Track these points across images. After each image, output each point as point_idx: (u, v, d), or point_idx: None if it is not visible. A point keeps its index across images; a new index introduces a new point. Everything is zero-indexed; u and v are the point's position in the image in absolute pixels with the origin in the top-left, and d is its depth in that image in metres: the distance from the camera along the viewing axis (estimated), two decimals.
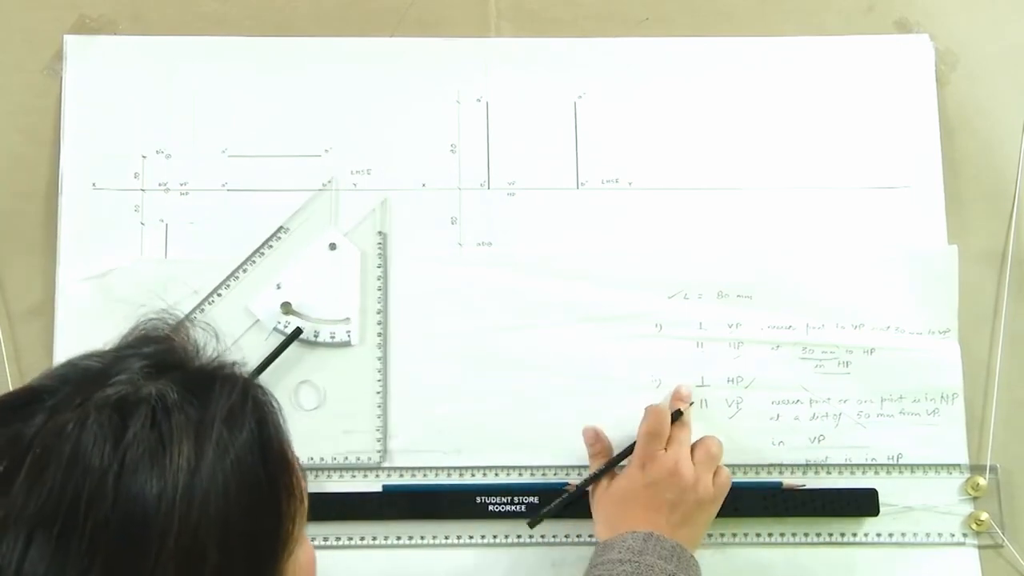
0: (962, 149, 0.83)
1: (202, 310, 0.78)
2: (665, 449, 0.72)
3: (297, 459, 0.47)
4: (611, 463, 0.75)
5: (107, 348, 0.46)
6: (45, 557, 0.37)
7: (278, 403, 0.47)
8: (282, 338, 0.78)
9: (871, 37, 0.84)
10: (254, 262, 0.79)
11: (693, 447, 0.73)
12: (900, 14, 0.84)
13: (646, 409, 0.73)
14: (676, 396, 0.76)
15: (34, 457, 0.38)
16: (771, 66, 0.83)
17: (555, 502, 0.75)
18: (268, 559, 0.44)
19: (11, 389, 0.45)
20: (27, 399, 0.41)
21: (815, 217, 0.81)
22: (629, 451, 0.74)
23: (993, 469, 0.79)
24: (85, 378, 0.42)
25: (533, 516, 0.75)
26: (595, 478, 0.74)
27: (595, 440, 0.76)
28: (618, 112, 0.82)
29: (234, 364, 0.47)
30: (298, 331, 0.77)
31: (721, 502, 0.73)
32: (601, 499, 0.74)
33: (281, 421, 0.47)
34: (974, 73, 0.84)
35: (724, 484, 0.73)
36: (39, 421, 0.40)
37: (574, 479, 0.77)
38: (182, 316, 0.50)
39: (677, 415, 0.74)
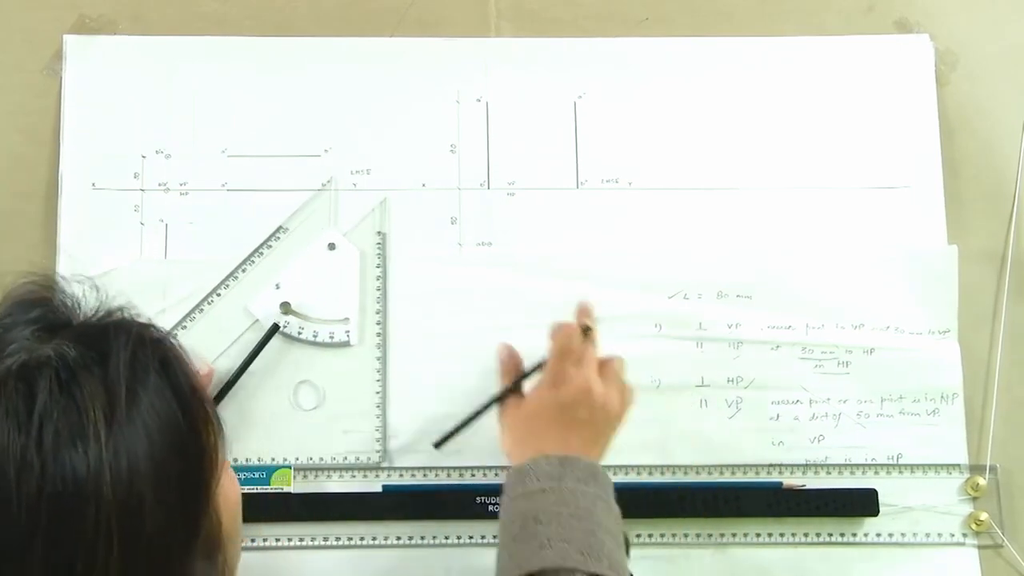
0: (962, 149, 0.83)
1: (201, 310, 0.78)
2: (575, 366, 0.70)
3: (203, 386, 0.47)
4: (519, 380, 0.73)
5: None
6: None
7: (175, 336, 0.47)
8: (282, 338, 0.78)
9: (871, 37, 0.84)
10: (253, 262, 0.79)
11: (599, 365, 0.71)
12: (900, 14, 0.84)
13: (554, 326, 0.71)
14: (581, 312, 0.73)
15: None
16: (771, 66, 0.83)
17: (463, 420, 0.74)
18: (198, 490, 0.44)
19: None
20: None
21: (815, 217, 0.81)
22: (538, 369, 0.72)
23: (993, 469, 0.79)
24: None
25: (441, 440, 0.75)
26: (504, 395, 0.72)
27: (508, 358, 0.74)
28: (618, 112, 0.82)
29: (120, 310, 0.47)
30: (275, 327, 0.77)
31: (626, 417, 0.71)
32: (511, 417, 0.71)
33: (182, 353, 0.47)
34: (974, 73, 0.84)
35: (630, 401, 0.71)
36: None
37: None
38: (51, 273, 0.50)
39: (585, 331, 0.71)
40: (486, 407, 0.74)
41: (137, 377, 0.42)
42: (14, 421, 0.39)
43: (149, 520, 0.40)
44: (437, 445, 0.75)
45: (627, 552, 0.66)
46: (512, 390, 0.73)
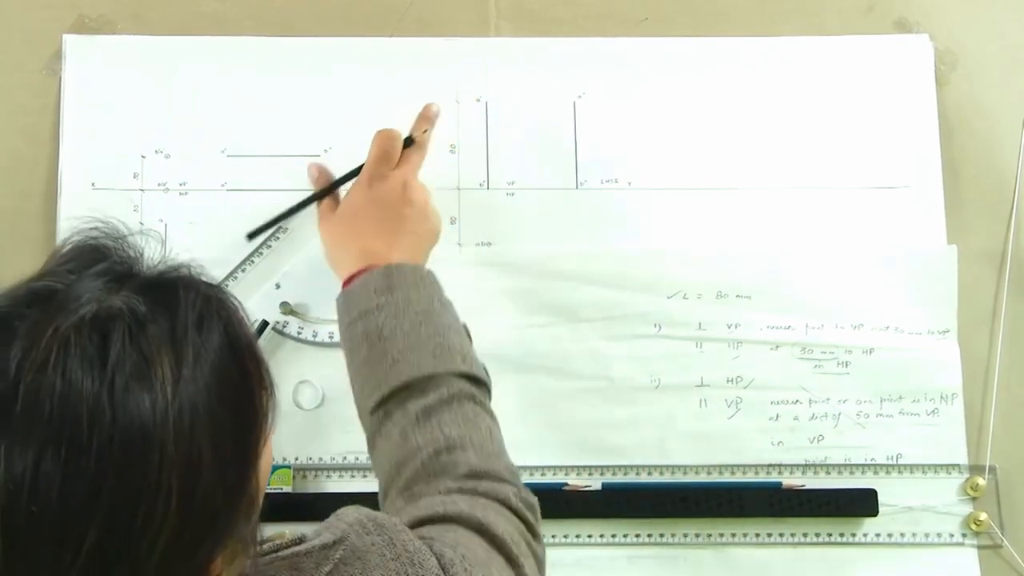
0: (962, 149, 0.83)
1: None
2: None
3: (262, 351, 0.49)
4: (338, 182, 0.74)
5: (55, 265, 0.46)
6: (57, 475, 0.38)
7: (237, 300, 0.48)
8: (282, 338, 0.78)
9: (871, 37, 0.84)
10: (253, 262, 0.79)
11: None
12: (900, 14, 0.84)
13: (376, 132, 0.72)
14: (422, 116, 0.75)
15: (26, 389, 0.39)
16: (771, 66, 0.83)
17: (276, 215, 0.77)
18: (249, 450, 0.45)
19: None
20: None
21: (815, 217, 0.81)
22: (356, 173, 0.73)
23: (992, 469, 0.79)
24: (51, 300, 0.42)
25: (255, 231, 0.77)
26: (322, 195, 0.74)
27: (319, 173, 0.76)
28: (618, 112, 0.82)
29: (187, 267, 0.48)
30: (264, 323, 0.77)
31: (439, 233, 0.73)
32: (328, 220, 0.73)
33: (245, 316, 0.48)
34: (974, 73, 0.84)
35: (440, 220, 0.73)
36: (19, 349, 0.40)
37: (573, 479, 0.77)
38: (115, 223, 0.50)
39: (409, 142, 0.73)
40: (302, 204, 0.76)
41: (202, 335, 0.43)
42: (89, 370, 0.40)
43: (205, 475, 0.41)
44: (250, 236, 0.77)
45: (469, 336, 0.67)
46: (328, 192, 0.75)
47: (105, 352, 0.40)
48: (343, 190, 0.75)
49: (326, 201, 0.75)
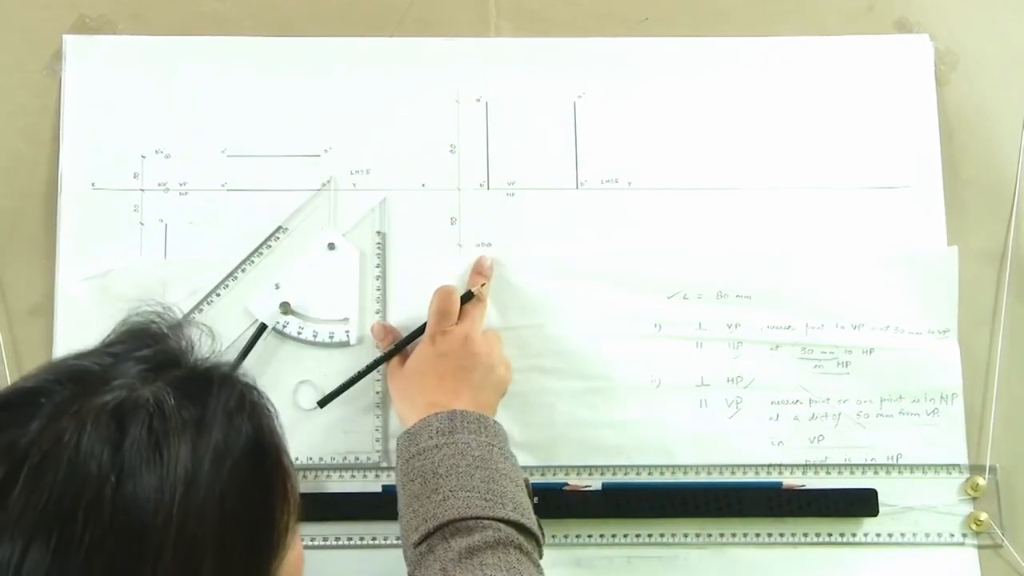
0: (962, 149, 0.83)
1: (201, 310, 0.78)
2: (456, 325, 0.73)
3: (291, 462, 0.47)
4: (403, 343, 0.76)
5: (102, 346, 0.46)
6: (43, 565, 0.37)
7: (274, 407, 0.47)
8: (282, 338, 0.78)
9: (871, 37, 0.84)
10: (253, 262, 0.79)
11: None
12: (900, 14, 0.84)
13: (436, 290, 0.75)
14: (476, 270, 0.78)
15: (31, 466, 0.38)
16: (771, 66, 0.83)
17: (345, 381, 0.76)
18: (262, 563, 0.44)
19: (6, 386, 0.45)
20: (22, 400, 0.41)
21: (815, 217, 0.81)
22: (420, 331, 0.75)
23: (992, 469, 0.79)
24: (82, 382, 0.41)
25: (325, 398, 0.76)
26: (388, 356, 0.76)
27: (385, 334, 0.77)
28: (618, 112, 0.82)
29: (230, 365, 0.47)
30: (263, 327, 0.77)
31: (510, 379, 0.75)
32: (395, 377, 0.75)
33: (277, 425, 0.46)
34: (974, 73, 0.84)
35: (510, 369, 0.75)
36: (36, 427, 0.39)
37: (573, 479, 0.77)
38: (177, 313, 0.49)
39: (468, 296, 0.75)
40: (370, 367, 0.76)
41: (227, 439, 0.42)
42: (97, 459, 0.38)
43: None
44: (321, 404, 0.77)
45: (530, 496, 0.67)
46: (394, 354, 0.76)
47: (120, 440, 0.39)
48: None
49: (394, 359, 0.76)
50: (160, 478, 0.39)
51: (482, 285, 0.76)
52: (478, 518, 0.61)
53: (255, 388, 0.47)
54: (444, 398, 0.69)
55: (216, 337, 0.49)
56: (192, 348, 0.47)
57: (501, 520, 0.62)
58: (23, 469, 0.38)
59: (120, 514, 0.38)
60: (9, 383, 0.76)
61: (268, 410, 0.46)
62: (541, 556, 0.65)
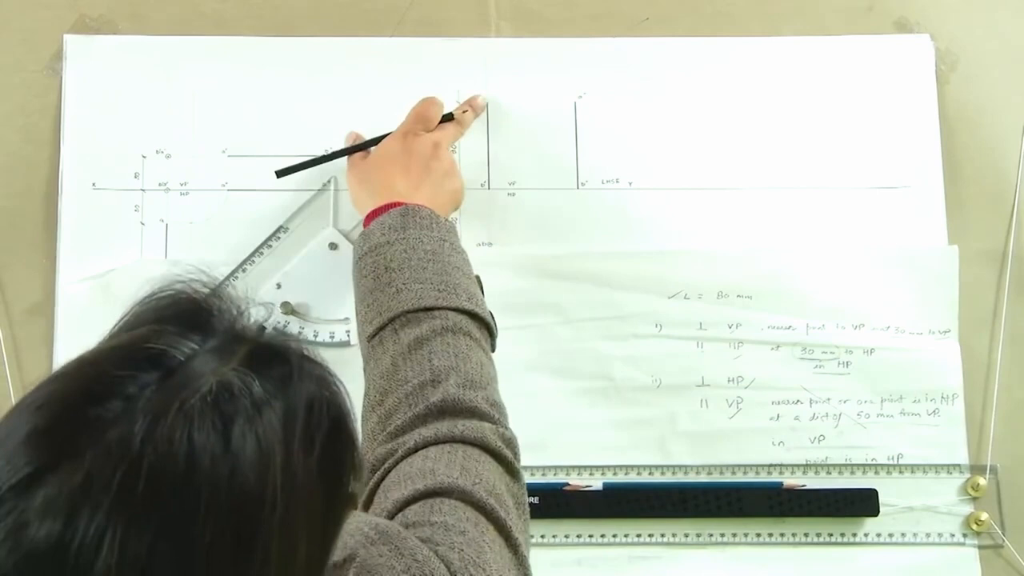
0: (962, 149, 0.83)
1: None
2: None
3: (356, 431, 0.47)
4: (373, 141, 0.77)
5: (156, 323, 0.44)
6: (169, 561, 0.37)
7: (341, 382, 0.47)
8: None
9: (871, 37, 0.84)
10: (254, 262, 0.79)
11: None
12: (900, 14, 0.84)
13: (422, 98, 0.77)
14: (468, 101, 0.80)
15: (150, 466, 0.37)
16: (771, 66, 0.83)
17: (308, 160, 0.78)
18: (335, 531, 0.45)
19: (65, 368, 0.42)
20: (109, 391, 0.40)
21: (815, 217, 0.81)
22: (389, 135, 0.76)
23: (993, 469, 0.79)
24: (168, 370, 0.41)
25: (283, 170, 0.78)
26: (356, 149, 0.77)
27: (356, 136, 0.79)
28: (618, 112, 0.82)
29: (294, 337, 0.47)
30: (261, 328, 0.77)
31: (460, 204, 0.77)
32: (357, 166, 0.76)
33: (347, 397, 0.46)
34: (974, 73, 0.84)
35: (463, 193, 0.77)
36: (144, 426, 0.38)
37: (574, 479, 0.77)
38: (213, 276, 0.48)
39: (448, 117, 0.77)
40: (336, 153, 0.78)
41: (311, 425, 0.42)
42: (211, 456, 0.38)
43: (297, 565, 0.41)
44: (279, 173, 0.78)
45: (480, 290, 0.68)
46: (362, 148, 0.77)
47: (228, 436, 0.39)
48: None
49: (357, 155, 0.78)
50: (264, 467, 0.40)
51: (464, 111, 0.79)
52: (430, 308, 0.62)
53: (328, 370, 0.46)
54: (404, 186, 0.71)
55: (256, 303, 0.48)
56: (242, 313, 0.46)
57: (454, 309, 0.63)
58: (143, 464, 0.37)
59: (236, 508, 0.39)
60: (9, 383, 0.76)
61: (339, 385, 0.46)
62: (494, 349, 0.67)
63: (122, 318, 0.46)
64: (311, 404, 0.43)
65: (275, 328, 0.47)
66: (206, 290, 0.46)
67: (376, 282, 0.65)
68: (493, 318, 0.67)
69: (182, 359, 0.41)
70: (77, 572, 0.36)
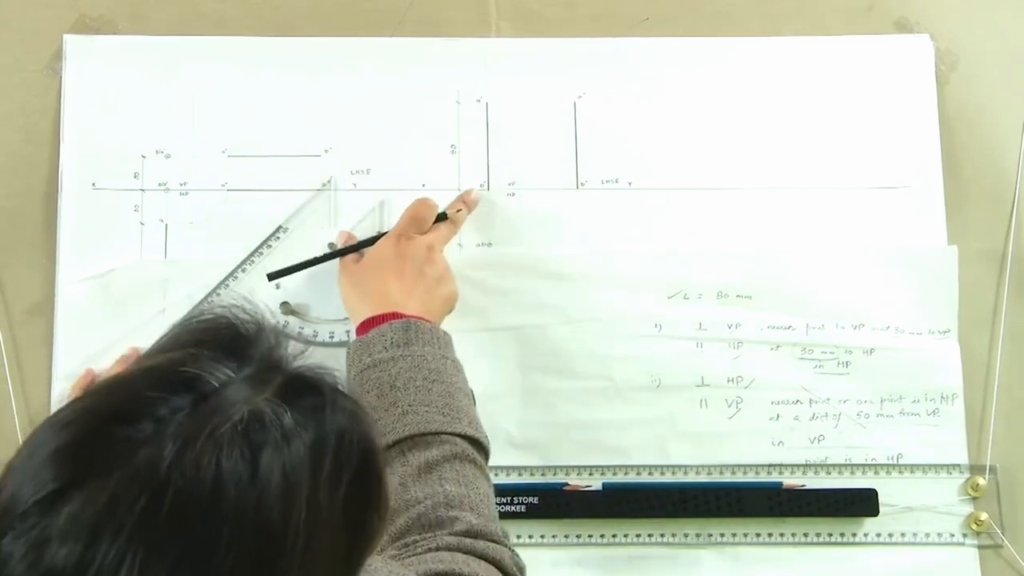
0: (962, 149, 0.83)
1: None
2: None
3: (384, 466, 0.47)
4: (364, 243, 0.76)
5: (193, 345, 0.44)
6: None
7: (372, 418, 0.46)
8: None
9: (871, 37, 0.84)
10: (253, 262, 0.79)
11: None
12: (900, 14, 0.84)
13: (415, 200, 0.76)
14: (461, 198, 0.79)
15: (176, 492, 0.37)
16: (771, 66, 0.83)
17: (299, 263, 0.77)
18: (358, 565, 0.45)
19: (105, 383, 0.42)
20: (140, 412, 0.39)
21: (815, 217, 0.81)
22: (381, 235, 0.75)
23: (993, 469, 0.79)
24: (201, 395, 0.40)
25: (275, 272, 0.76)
26: (347, 251, 0.76)
27: (348, 238, 0.78)
28: (618, 112, 0.82)
29: (330, 373, 0.46)
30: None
31: (453, 308, 0.75)
32: (349, 270, 0.75)
33: (376, 434, 0.46)
34: (974, 73, 0.84)
35: (456, 297, 0.76)
36: (172, 451, 0.38)
37: (574, 479, 0.77)
38: (261, 308, 0.48)
39: (442, 217, 0.76)
40: (327, 256, 0.76)
41: (339, 459, 0.42)
42: (238, 486, 0.38)
43: None
44: (271, 277, 0.77)
45: (473, 403, 0.69)
46: (353, 250, 0.76)
47: (255, 466, 0.39)
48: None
49: (350, 256, 0.76)
50: (289, 501, 0.39)
51: (458, 211, 0.77)
52: (437, 433, 0.63)
53: (358, 403, 0.46)
54: (398, 292, 0.71)
55: (294, 339, 0.48)
56: (280, 344, 0.46)
57: (458, 435, 0.64)
58: (169, 490, 0.37)
59: (258, 538, 0.38)
60: (9, 383, 0.76)
61: (369, 421, 0.46)
62: (488, 463, 0.67)
63: (160, 339, 0.45)
64: (341, 438, 0.42)
65: (312, 363, 0.46)
66: (247, 317, 0.46)
67: (380, 400, 0.65)
68: (487, 439, 0.67)
69: (216, 385, 0.41)
70: None
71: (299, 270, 0.77)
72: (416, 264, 0.72)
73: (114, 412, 0.39)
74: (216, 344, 0.44)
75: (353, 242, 0.77)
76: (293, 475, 0.40)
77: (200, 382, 0.41)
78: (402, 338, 0.67)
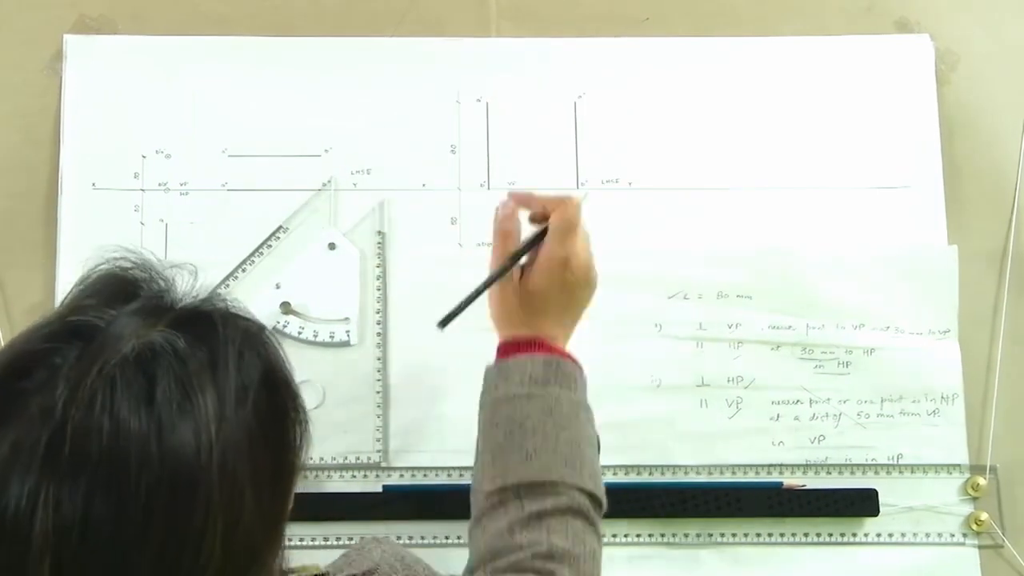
0: (962, 149, 0.83)
1: None
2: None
3: (295, 382, 0.48)
4: (519, 255, 0.66)
5: (82, 299, 0.46)
6: (108, 518, 0.38)
7: (275, 336, 0.48)
8: (282, 338, 0.78)
9: (871, 37, 0.84)
10: (253, 262, 0.79)
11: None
12: (900, 14, 0.84)
13: (560, 201, 0.64)
14: (546, 203, 0.66)
15: (74, 429, 0.39)
16: (772, 66, 0.83)
17: (466, 298, 0.65)
18: (286, 489, 0.46)
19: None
20: (33, 363, 0.41)
21: (815, 217, 0.81)
22: (538, 239, 0.65)
23: (993, 469, 0.79)
24: (90, 338, 0.42)
25: (445, 318, 0.65)
26: (506, 269, 0.65)
27: (509, 218, 0.66)
28: (618, 112, 0.82)
29: (222, 299, 0.48)
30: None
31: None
32: (507, 294, 0.66)
33: (279, 348, 0.47)
34: (974, 73, 0.84)
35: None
36: (64, 391, 0.40)
37: None
38: (144, 254, 0.49)
39: (542, 234, 0.65)
40: (488, 283, 0.66)
41: (242, 373, 0.43)
42: (136, 410, 0.40)
43: (247, 514, 0.42)
44: (441, 324, 0.66)
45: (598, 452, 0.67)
46: (510, 268, 0.66)
47: (151, 392, 0.40)
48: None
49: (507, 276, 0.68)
50: (196, 421, 0.41)
51: (556, 205, 0.65)
52: (555, 483, 0.62)
53: (251, 318, 0.48)
54: (553, 329, 0.65)
55: (195, 271, 0.49)
56: (172, 286, 0.48)
57: (576, 487, 0.62)
58: (67, 429, 0.39)
59: (168, 461, 0.40)
60: None
61: (270, 336, 0.47)
62: (602, 519, 0.66)
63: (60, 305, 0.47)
64: (240, 355, 0.44)
65: (213, 296, 0.47)
66: (131, 264, 0.48)
67: (508, 439, 0.63)
68: (605, 494, 0.66)
69: (102, 326, 0.42)
70: (16, 541, 0.37)
71: (467, 306, 0.66)
72: (580, 292, 0.66)
73: (8, 369, 0.42)
74: (102, 292, 0.46)
75: (509, 236, 0.66)
76: (194, 396, 0.41)
77: (87, 327, 0.42)
78: (542, 375, 0.64)
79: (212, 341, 0.43)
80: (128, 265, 0.48)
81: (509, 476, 0.62)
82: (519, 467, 0.62)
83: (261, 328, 0.47)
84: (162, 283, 0.47)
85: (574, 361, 0.66)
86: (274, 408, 0.45)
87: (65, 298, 0.47)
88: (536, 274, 0.65)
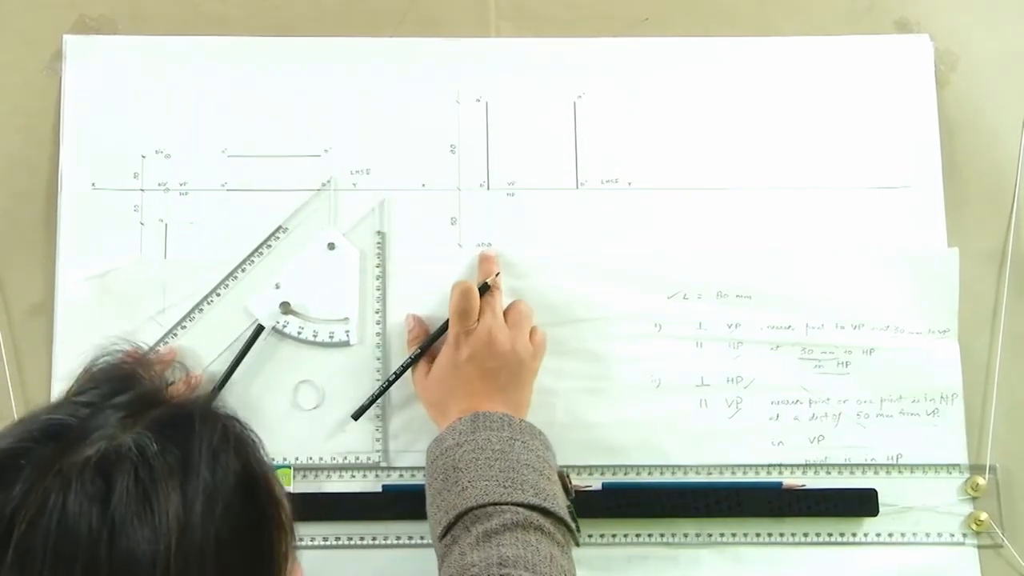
0: (962, 149, 0.83)
1: (201, 310, 0.78)
2: (478, 322, 0.72)
3: (283, 490, 0.46)
4: (426, 345, 0.76)
5: (74, 394, 0.45)
6: None
7: (257, 436, 0.46)
8: (282, 338, 0.78)
9: (871, 37, 0.84)
10: (253, 262, 0.79)
11: (505, 313, 0.75)
12: (900, 14, 0.84)
13: (453, 287, 0.73)
14: (484, 263, 0.77)
15: (20, 534, 0.37)
16: (771, 66, 0.83)
17: (375, 391, 0.76)
18: None
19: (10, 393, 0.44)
20: (1, 463, 0.40)
21: (815, 217, 0.81)
22: (443, 330, 0.75)
23: (993, 469, 0.79)
24: (60, 437, 0.41)
25: (358, 411, 0.76)
26: (412, 362, 0.76)
27: (414, 324, 0.77)
28: (618, 112, 0.82)
29: (208, 398, 0.46)
30: (260, 328, 0.77)
31: (541, 358, 0.75)
32: (423, 384, 0.75)
33: (264, 455, 0.46)
34: (974, 73, 0.84)
35: (541, 341, 0.75)
36: (19, 492, 0.38)
37: (574, 479, 0.77)
38: (143, 347, 0.48)
39: (484, 288, 0.75)
40: (398, 374, 0.76)
41: (215, 476, 0.41)
42: (87, 517, 0.38)
43: None
44: (355, 416, 0.77)
45: (567, 489, 0.69)
46: (420, 357, 0.76)
47: (107, 496, 0.39)
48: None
49: (421, 364, 0.76)
50: (153, 528, 0.39)
51: (496, 274, 0.76)
52: (496, 503, 0.62)
53: (236, 419, 0.46)
54: (471, 404, 0.70)
55: (186, 367, 0.48)
56: (166, 383, 0.47)
57: (520, 504, 0.63)
58: (12, 538, 0.37)
59: (118, 566, 0.38)
60: (9, 383, 0.77)
61: (253, 440, 0.45)
62: (577, 544, 0.67)
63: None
64: (214, 456, 0.42)
65: (200, 396, 0.46)
66: (126, 360, 0.47)
67: (445, 483, 0.65)
68: (574, 516, 0.66)
69: (74, 424, 0.41)
70: None
71: (379, 398, 0.77)
72: (481, 365, 0.71)
73: None
74: (101, 388, 0.44)
75: (419, 330, 0.77)
76: (155, 501, 0.39)
77: (60, 426, 0.41)
78: (469, 427, 0.67)
79: (187, 443, 0.42)
80: (124, 359, 0.47)
81: (451, 511, 0.63)
82: (457, 499, 0.63)
83: (243, 427, 0.46)
84: (156, 380, 0.46)
85: (509, 415, 0.69)
86: (251, 513, 0.43)
87: (71, 385, 0.46)
88: (437, 358, 0.74)
